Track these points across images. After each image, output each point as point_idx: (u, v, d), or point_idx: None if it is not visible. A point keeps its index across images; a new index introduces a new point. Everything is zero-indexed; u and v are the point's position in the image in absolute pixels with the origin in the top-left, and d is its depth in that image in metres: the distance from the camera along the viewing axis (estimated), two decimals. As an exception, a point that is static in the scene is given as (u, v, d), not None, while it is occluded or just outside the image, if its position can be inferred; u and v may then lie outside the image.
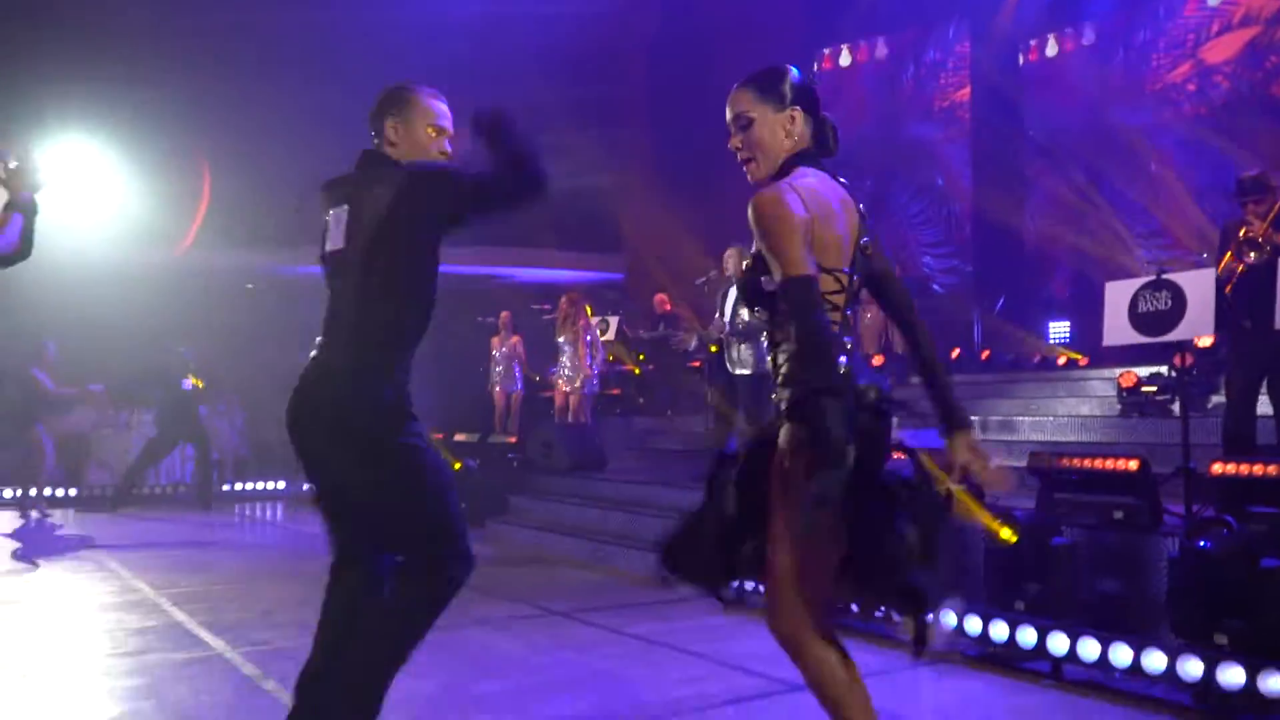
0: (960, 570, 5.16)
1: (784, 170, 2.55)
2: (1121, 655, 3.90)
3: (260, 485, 13.73)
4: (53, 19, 15.07)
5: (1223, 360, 7.05)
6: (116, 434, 13.46)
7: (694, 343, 10.35)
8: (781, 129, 2.57)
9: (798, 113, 2.58)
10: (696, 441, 9.97)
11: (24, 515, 10.53)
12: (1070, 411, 8.62)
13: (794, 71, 2.63)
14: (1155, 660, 3.79)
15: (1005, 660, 4.39)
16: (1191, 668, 3.67)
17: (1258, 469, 4.34)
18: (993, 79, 14.79)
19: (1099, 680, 4.10)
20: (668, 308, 13.23)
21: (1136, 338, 5.24)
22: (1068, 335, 12.94)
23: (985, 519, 4.42)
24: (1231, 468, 4.45)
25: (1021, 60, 14.91)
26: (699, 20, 14.64)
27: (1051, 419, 8.16)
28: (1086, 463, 4.92)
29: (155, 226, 15.92)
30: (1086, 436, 7.59)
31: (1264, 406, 6.14)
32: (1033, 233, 14.45)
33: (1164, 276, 5.18)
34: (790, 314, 2.35)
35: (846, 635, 4.86)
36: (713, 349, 8.80)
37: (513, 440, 10.40)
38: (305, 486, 12.44)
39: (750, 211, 2.44)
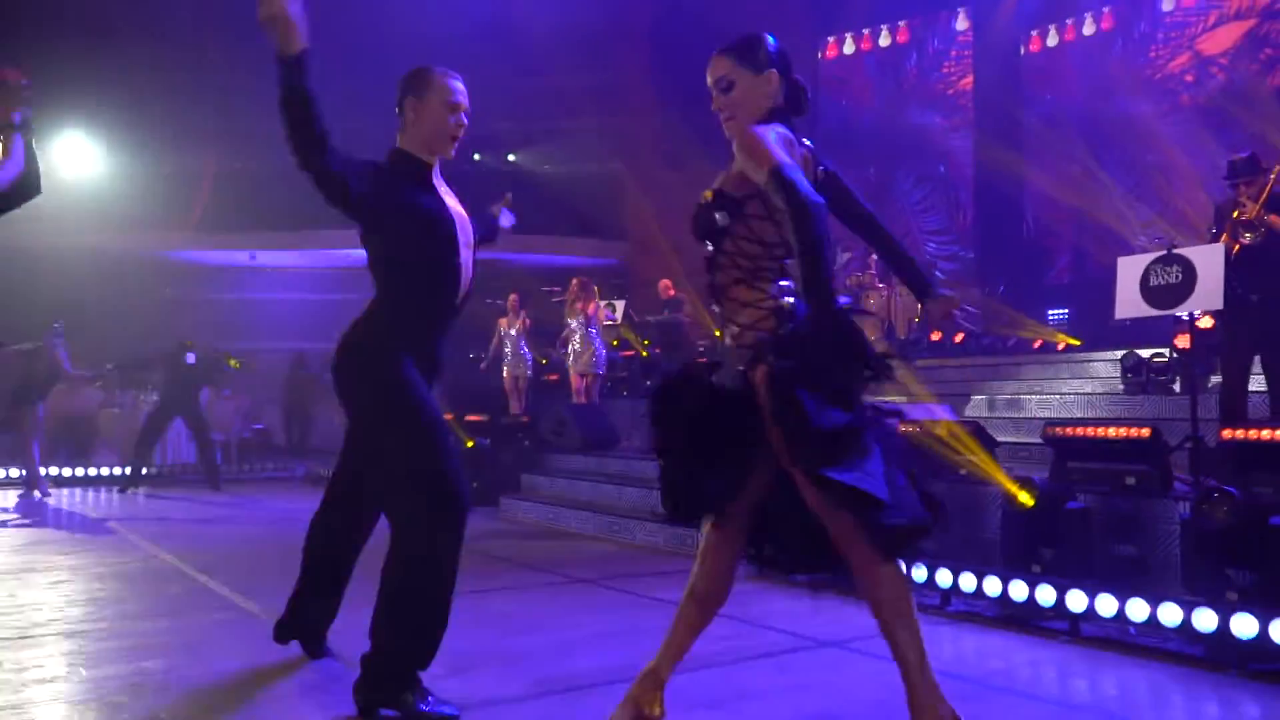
0: (977, 535, 5.33)
1: (767, 120, 2.79)
2: (1138, 610, 4.04)
3: (266, 466, 13.87)
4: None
5: (1215, 344, 7.17)
6: (124, 414, 13.57)
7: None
8: (760, 90, 2.82)
9: (774, 75, 2.83)
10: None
11: (26, 493, 10.63)
12: (1075, 390, 8.79)
13: (770, 39, 2.87)
14: (1170, 614, 3.94)
15: (1023, 619, 4.54)
16: (1206, 619, 3.82)
17: (1266, 434, 4.50)
18: (995, 68, 14.97)
19: (1115, 636, 4.25)
20: (672, 292, 13.37)
21: (1148, 311, 5.40)
22: (1065, 319, 13.12)
23: (1005, 482, 4.57)
24: (1240, 433, 4.61)
25: (1023, 50, 15.08)
26: (702, 8, 14.73)
27: (1058, 397, 8.33)
28: (1099, 431, 5.07)
29: (140, 214, 16.11)
30: (1092, 413, 7.75)
31: (1258, 384, 6.30)
32: (1033, 220, 14.61)
33: (1175, 251, 5.33)
34: (784, 201, 2.52)
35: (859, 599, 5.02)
36: (718, 333, 8.94)
37: (525, 420, 10.54)
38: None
39: (737, 138, 2.71)
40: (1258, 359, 6.21)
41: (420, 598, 3.14)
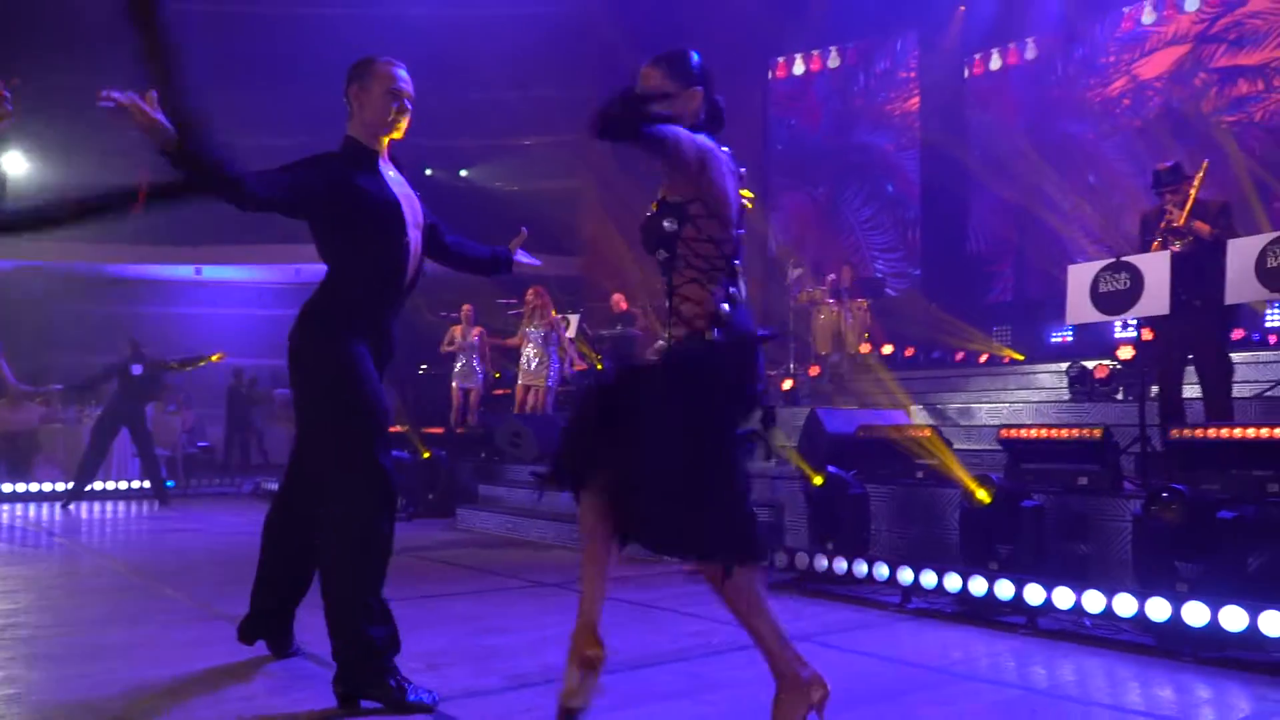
0: (936, 536, 5.46)
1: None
2: (1094, 602, 4.18)
3: (213, 482, 13.69)
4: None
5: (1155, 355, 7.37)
6: (66, 429, 13.32)
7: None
8: (690, 103, 2.94)
9: (698, 92, 2.96)
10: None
11: None
12: (1024, 400, 9.00)
13: (694, 55, 3.01)
14: (1125, 604, 4.08)
15: (982, 614, 4.67)
16: (1159, 609, 3.97)
17: (1211, 433, 4.68)
18: (940, 90, 15.30)
19: (1071, 629, 4.39)
20: (624, 307, 13.44)
21: (1098, 316, 5.58)
22: (1008, 335, 13.42)
23: (966, 479, 4.70)
24: (1187, 433, 4.78)
25: (967, 73, 15.43)
26: (654, 29, 14.90)
27: (1007, 406, 8.53)
28: (1053, 433, 5.23)
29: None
30: (1040, 420, 7.94)
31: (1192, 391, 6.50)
32: (977, 239, 14.94)
33: (1123, 259, 5.52)
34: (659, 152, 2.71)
35: (828, 599, 5.15)
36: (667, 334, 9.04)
37: (480, 431, 10.54)
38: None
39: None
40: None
41: (367, 581, 3.23)
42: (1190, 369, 6.34)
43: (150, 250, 17.53)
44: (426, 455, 9.39)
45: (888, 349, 11.68)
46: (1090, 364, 8.62)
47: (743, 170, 2.98)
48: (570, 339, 11.76)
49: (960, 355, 12.17)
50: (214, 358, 11.49)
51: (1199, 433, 4.72)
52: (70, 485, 11.28)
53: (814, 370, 11.95)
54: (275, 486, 4.06)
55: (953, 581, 4.70)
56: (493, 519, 8.46)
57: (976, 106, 15.27)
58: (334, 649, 3.21)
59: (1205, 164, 6.35)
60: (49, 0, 15.58)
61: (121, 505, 11.57)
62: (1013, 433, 5.44)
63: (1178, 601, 3.92)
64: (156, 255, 17.73)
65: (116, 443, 11.82)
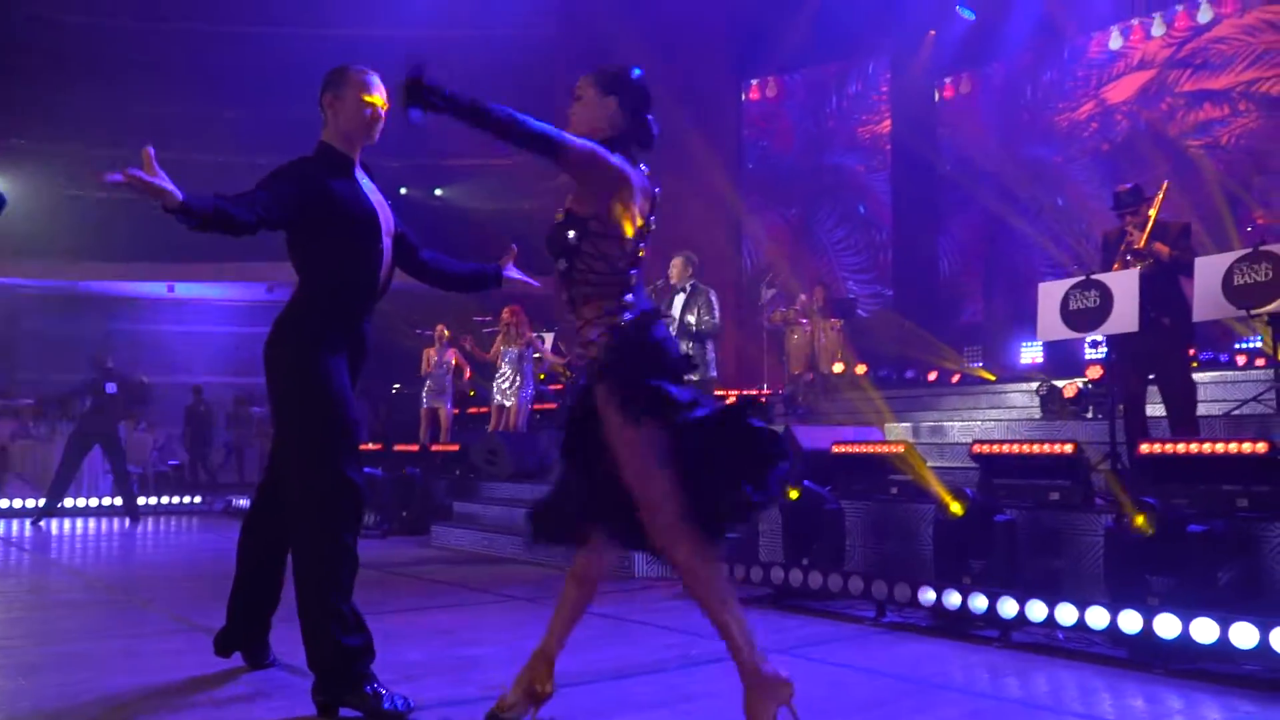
0: (910, 551, 5.50)
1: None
2: (1066, 614, 4.23)
3: (184, 500, 13.55)
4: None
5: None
6: (38, 445, 13.18)
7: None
8: (597, 111, 3.02)
9: (613, 102, 3.02)
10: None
11: None
12: (995, 419, 9.09)
13: (632, 71, 3.09)
14: (1097, 617, 4.12)
15: (957, 628, 4.71)
16: (1131, 621, 4.01)
17: (1181, 447, 4.75)
18: (911, 113, 15.46)
19: (1044, 642, 4.44)
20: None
21: (1069, 334, 5.66)
22: (979, 356, 13.53)
23: (941, 491, 4.75)
24: (1157, 447, 4.85)
25: (937, 96, 15.61)
26: (626, 50, 15.00)
27: (979, 424, 8.60)
28: (1025, 448, 5.30)
29: (45, 243, 15.75)
30: (1011, 438, 8.02)
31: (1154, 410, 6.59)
32: (948, 259, 15.09)
33: (1093, 277, 5.61)
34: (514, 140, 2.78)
35: (805, 614, 5.17)
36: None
37: (454, 449, 10.51)
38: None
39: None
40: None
41: (338, 590, 3.24)
42: (1154, 388, 6.44)
43: (125, 268, 17.42)
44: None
45: (861, 369, 11.76)
46: (1060, 383, 8.72)
47: (657, 191, 3.07)
48: (536, 358, 11.76)
49: (933, 375, 12.27)
50: None
51: (1168, 448, 4.79)
52: (42, 501, 11.15)
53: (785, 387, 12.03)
54: (246, 504, 4.06)
55: (927, 595, 4.73)
56: (467, 536, 8.43)
57: (947, 129, 15.46)
58: (310, 659, 3.23)
59: (1165, 185, 6.45)
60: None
61: (93, 522, 11.44)
62: (985, 448, 5.49)
63: (1150, 614, 3.97)
64: (131, 273, 17.62)
65: (87, 459, 11.71)
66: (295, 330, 3.42)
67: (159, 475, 15.12)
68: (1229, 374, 8.82)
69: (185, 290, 18.89)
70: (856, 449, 6.03)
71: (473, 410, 13.11)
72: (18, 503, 11.91)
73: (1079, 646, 4.34)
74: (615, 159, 2.89)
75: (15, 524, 11.04)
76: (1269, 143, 12.28)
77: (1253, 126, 12.45)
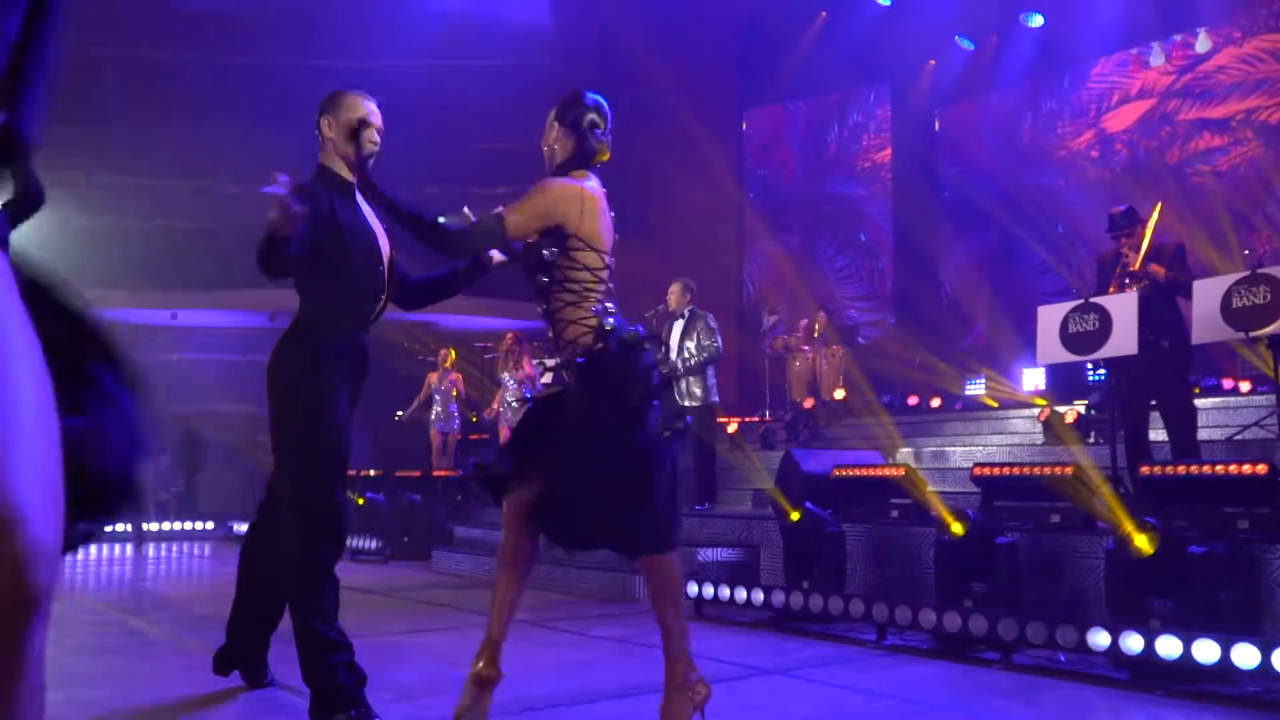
0: (911, 574, 5.48)
1: (561, 170, 3.26)
2: (1067, 636, 4.21)
3: (188, 525, 13.55)
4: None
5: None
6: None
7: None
8: (549, 136, 3.31)
9: (559, 126, 3.28)
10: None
11: None
12: (998, 444, 9.09)
13: (583, 97, 3.30)
14: (1099, 638, 4.11)
15: (958, 651, 4.69)
16: (1133, 642, 4.00)
17: (1181, 469, 4.75)
18: (911, 141, 15.55)
19: (1045, 664, 4.42)
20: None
21: (1068, 356, 5.67)
22: (982, 387, 13.51)
23: (943, 512, 4.74)
24: (1157, 470, 4.85)
25: (938, 125, 15.70)
26: (637, 80, 15.15)
27: (981, 449, 8.60)
28: (1025, 470, 5.29)
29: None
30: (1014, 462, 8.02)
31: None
32: (950, 287, 15.11)
33: (1092, 300, 5.62)
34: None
35: (806, 636, 5.15)
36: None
37: (455, 474, 10.50)
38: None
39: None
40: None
41: (323, 611, 3.28)
42: (1155, 413, 6.43)
43: (128, 296, 17.47)
44: (361, 501, 9.35)
45: (865, 395, 11.77)
46: (1062, 408, 8.72)
47: (612, 214, 3.24)
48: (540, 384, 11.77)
49: (936, 400, 12.27)
50: None
51: (1169, 470, 4.79)
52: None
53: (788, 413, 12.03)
54: (244, 529, 4.08)
55: (928, 618, 4.72)
56: (468, 560, 8.42)
57: (947, 157, 15.53)
58: (305, 677, 3.24)
59: (1159, 206, 6.46)
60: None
61: (94, 545, 11.43)
62: (986, 470, 5.50)
63: (1151, 635, 3.96)
64: (134, 300, 17.66)
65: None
66: (295, 353, 3.44)
67: (159, 502, 15.09)
68: (1231, 399, 8.83)
69: (188, 318, 18.93)
70: (857, 472, 6.03)
71: (475, 436, 13.10)
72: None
73: (1080, 668, 4.32)
74: (552, 192, 3.11)
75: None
76: (1270, 170, 12.33)
77: (1252, 154, 12.51)
